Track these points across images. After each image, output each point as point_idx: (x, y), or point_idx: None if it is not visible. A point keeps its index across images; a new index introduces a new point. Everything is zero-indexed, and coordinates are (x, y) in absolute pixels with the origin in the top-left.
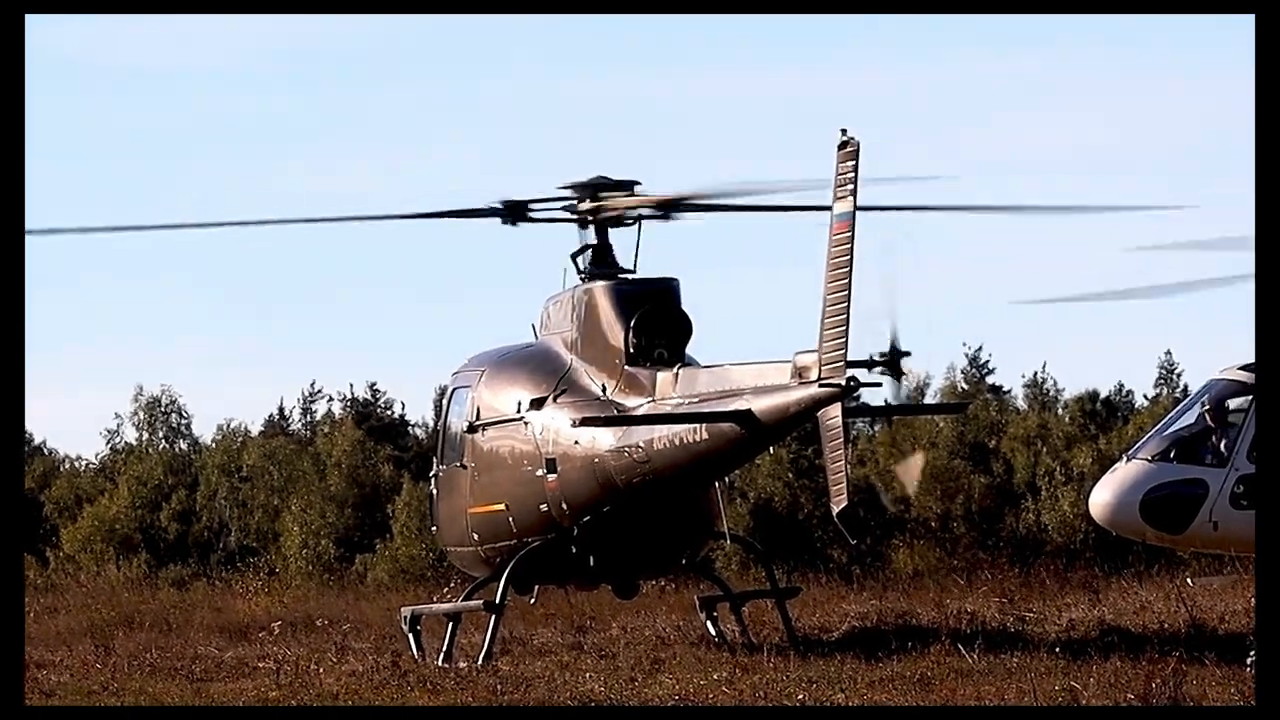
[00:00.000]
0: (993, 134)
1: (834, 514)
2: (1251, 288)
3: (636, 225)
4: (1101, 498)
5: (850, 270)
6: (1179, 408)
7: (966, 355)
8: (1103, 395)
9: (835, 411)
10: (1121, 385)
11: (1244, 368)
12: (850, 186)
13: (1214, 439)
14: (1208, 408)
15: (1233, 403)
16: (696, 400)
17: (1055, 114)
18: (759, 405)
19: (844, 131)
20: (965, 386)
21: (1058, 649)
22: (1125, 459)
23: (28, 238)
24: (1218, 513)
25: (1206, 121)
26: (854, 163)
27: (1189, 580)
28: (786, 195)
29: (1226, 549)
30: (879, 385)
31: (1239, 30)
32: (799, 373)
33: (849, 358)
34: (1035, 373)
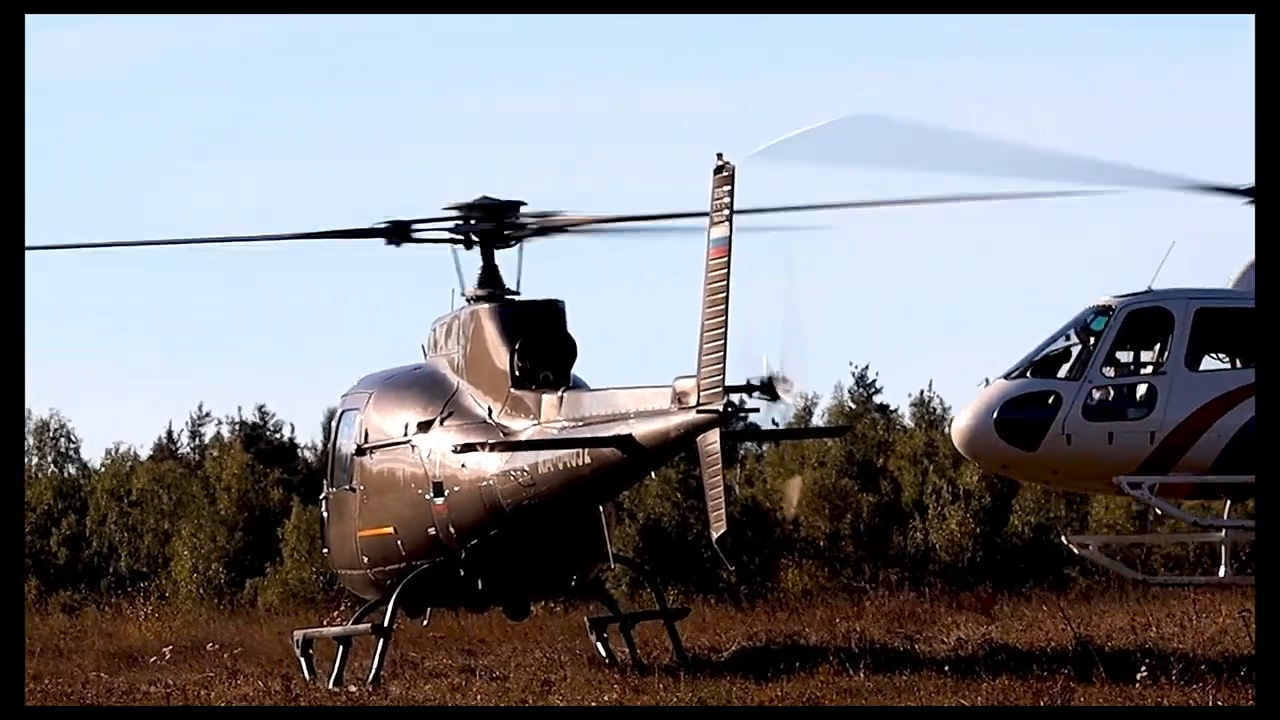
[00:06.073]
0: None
1: (713, 540)
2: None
3: (520, 246)
4: (961, 422)
5: (727, 295)
6: (1050, 335)
7: (853, 374)
8: None
9: (714, 437)
10: None
11: (1117, 297)
12: (726, 211)
13: (1073, 355)
14: (1072, 327)
15: (1096, 323)
16: (580, 424)
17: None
18: (639, 430)
19: (719, 156)
20: (853, 405)
21: (946, 667)
22: (987, 382)
23: None
24: (1070, 424)
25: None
26: (730, 187)
27: (1063, 538)
28: (671, 212)
29: (1078, 472)
30: (756, 411)
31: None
32: (678, 398)
33: (727, 383)
34: (922, 391)
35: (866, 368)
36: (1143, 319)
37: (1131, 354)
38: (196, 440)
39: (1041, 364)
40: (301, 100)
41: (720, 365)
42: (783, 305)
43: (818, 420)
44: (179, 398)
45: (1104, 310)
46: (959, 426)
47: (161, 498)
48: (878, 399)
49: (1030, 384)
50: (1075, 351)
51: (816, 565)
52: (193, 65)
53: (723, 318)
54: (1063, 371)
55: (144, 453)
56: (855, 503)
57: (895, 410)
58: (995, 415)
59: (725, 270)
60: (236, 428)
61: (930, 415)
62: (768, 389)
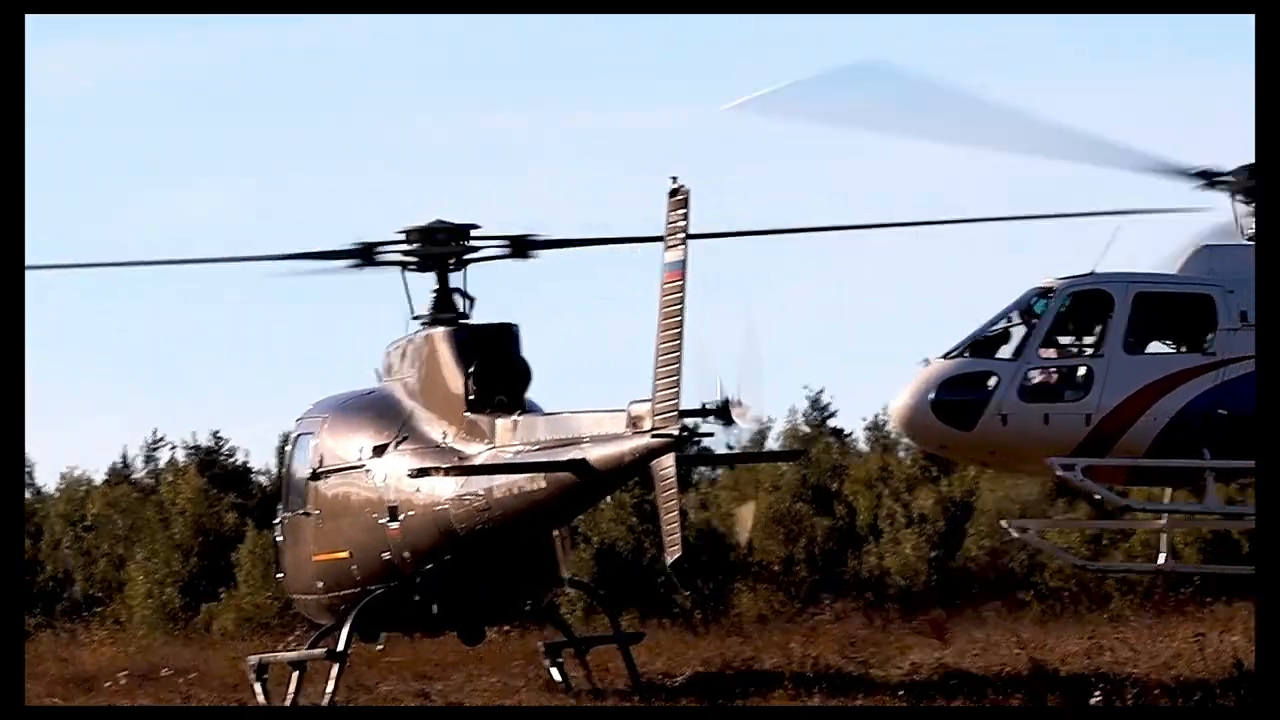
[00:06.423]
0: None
1: (668, 565)
2: None
3: (465, 268)
4: (898, 401)
5: (682, 320)
6: (993, 315)
7: (808, 398)
8: None
9: (668, 462)
10: None
11: (1060, 278)
12: (681, 235)
13: (1013, 336)
14: (1015, 308)
15: (1038, 304)
16: (535, 448)
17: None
18: (594, 455)
19: (674, 179)
20: (807, 429)
21: (901, 692)
22: (926, 362)
23: None
24: (1006, 405)
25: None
26: (684, 210)
27: (1003, 523)
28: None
29: (1014, 453)
30: (711, 435)
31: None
32: (633, 422)
33: (682, 407)
34: (876, 415)
35: (821, 391)
36: (1083, 301)
37: (1071, 336)
38: (151, 465)
39: (981, 344)
40: (260, 122)
41: (675, 389)
42: (738, 329)
43: (772, 444)
44: (133, 422)
45: (1046, 292)
46: (896, 406)
47: (116, 522)
48: (832, 423)
49: (968, 364)
50: (1016, 333)
51: (771, 590)
52: (155, 86)
53: (678, 342)
54: (1002, 352)
55: (98, 477)
56: (810, 527)
57: (850, 434)
58: (932, 395)
59: (680, 294)
60: (191, 452)
61: (885, 439)
62: (722, 413)
